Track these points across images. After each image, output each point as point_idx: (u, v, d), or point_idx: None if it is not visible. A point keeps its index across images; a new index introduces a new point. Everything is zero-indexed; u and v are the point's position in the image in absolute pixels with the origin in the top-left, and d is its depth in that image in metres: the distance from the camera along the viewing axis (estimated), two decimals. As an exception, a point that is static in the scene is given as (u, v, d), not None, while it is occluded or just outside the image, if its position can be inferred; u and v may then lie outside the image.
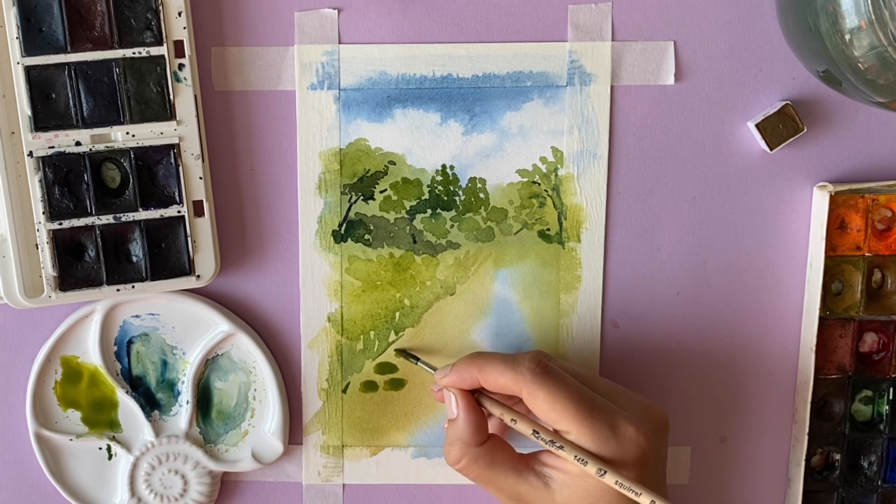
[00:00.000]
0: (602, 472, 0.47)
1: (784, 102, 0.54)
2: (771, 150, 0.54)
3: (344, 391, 0.57)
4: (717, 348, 0.57)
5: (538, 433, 0.49)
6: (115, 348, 0.55)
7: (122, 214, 0.52)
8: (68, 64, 0.50)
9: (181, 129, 0.52)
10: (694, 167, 0.55)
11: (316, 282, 0.56)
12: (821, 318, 0.55)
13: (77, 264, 0.52)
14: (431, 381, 0.57)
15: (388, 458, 0.58)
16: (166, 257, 0.53)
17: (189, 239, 0.53)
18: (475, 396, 0.51)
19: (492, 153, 0.55)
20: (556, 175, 0.55)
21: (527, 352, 0.51)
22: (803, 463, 0.57)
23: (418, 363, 0.55)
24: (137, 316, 0.55)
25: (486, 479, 0.50)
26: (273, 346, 0.56)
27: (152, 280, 0.52)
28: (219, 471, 0.57)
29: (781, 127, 0.54)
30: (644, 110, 0.55)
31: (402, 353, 0.56)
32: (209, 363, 0.56)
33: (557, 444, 0.48)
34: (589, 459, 0.47)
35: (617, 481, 0.47)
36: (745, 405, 0.58)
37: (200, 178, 0.53)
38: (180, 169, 0.52)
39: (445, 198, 0.55)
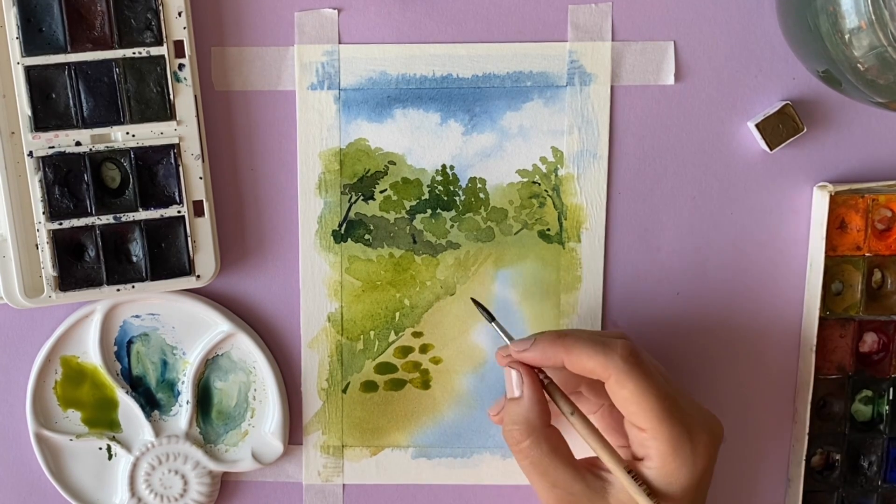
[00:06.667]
0: None
1: (784, 102, 0.54)
2: (771, 150, 0.54)
3: (344, 391, 0.57)
4: (717, 348, 0.57)
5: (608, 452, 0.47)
6: (115, 348, 0.55)
7: (122, 214, 0.52)
8: (68, 64, 0.50)
9: (181, 129, 0.52)
10: (694, 167, 0.55)
11: (316, 282, 0.56)
12: (821, 318, 0.55)
13: (77, 264, 0.52)
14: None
15: (388, 458, 0.58)
16: (166, 257, 0.53)
17: (189, 239, 0.53)
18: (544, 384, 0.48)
19: (492, 153, 0.55)
20: (556, 175, 0.55)
21: (616, 336, 0.49)
22: (803, 463, 0.57)
23: (492, 323, 0.50)
24: (137, 316, 0.55)
25: (543, 467, 0.48)
26: (273, 346, 0.56)
27: (152, 280, 0.52)
28: (219, 471, 0.57)
29: (781, 127, 0.54)
30: (644, 110, 0.55)
31: (480, 305, 0.51)
32: (209, 363, 0.56)
33: (632, 473, 0.47)
34: (641, 496, 0.46)
35: None
36: (746, 405, 0.58)
37: (200, 178, 0.53)
38: (180, 169, 0.52)
39: (445, 198, 0.55)
